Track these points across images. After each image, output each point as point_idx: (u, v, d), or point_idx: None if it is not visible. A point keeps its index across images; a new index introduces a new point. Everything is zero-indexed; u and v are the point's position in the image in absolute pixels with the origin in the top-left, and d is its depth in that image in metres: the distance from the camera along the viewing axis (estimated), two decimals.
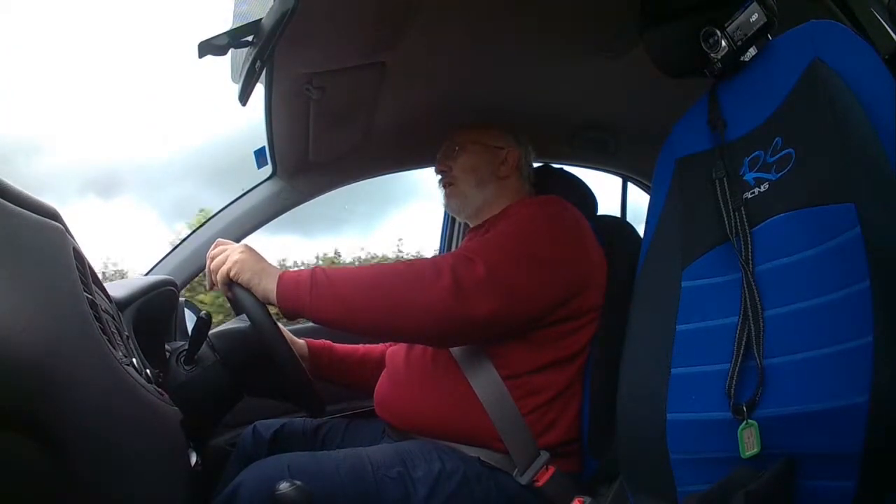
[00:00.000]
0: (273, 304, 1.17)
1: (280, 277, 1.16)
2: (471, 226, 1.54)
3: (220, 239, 1.25)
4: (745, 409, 0.86)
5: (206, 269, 1.22)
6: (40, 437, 0.56)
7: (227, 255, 1.19)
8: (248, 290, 1.17)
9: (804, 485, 0.81)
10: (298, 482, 1.04)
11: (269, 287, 1.16)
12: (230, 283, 1.18)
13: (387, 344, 1.55)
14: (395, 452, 1.21)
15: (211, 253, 1.22)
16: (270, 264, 1.19)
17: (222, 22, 1.25)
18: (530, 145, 1.56)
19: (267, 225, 1.89)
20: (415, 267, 1.20)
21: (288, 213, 1.92)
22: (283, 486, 1.02)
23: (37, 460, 0.56)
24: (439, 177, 1.53)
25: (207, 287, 1.23)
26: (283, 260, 6.19)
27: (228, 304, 1.35)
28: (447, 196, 1.52)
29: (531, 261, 1.20)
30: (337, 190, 1.97)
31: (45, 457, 0.56)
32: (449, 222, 2.29)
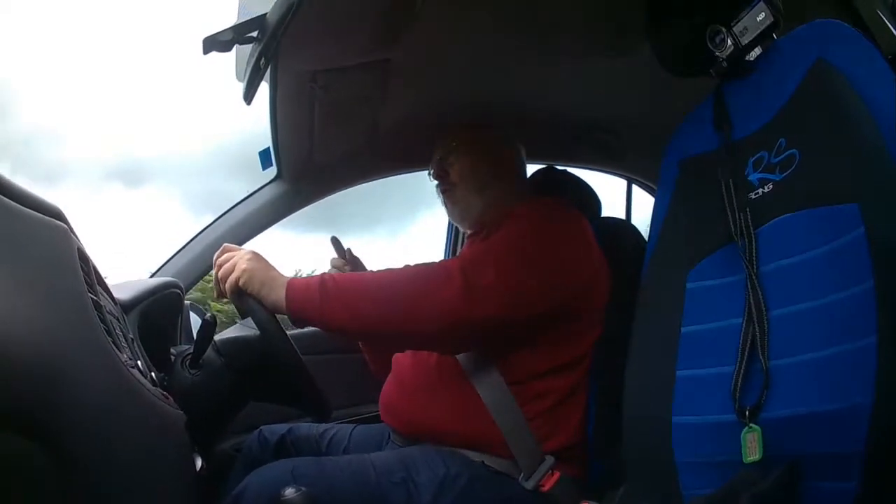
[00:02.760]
0: (282, 313, 1.16)
1: (289, 286, 1.15)
2: (470, 231, 1.54)
3: (226, 244, 1.24)
4: (747, 413, 0.85)
5: (214, 277, 1.21)
6: (42, 440, 0.55)
7: (234, 263, 1.17)
8: (257, 299, 1.16)
9: (807, 486, 0.81)
10: (303, 488, 1.04)
11: (278, 296, 1.15)
12: (239, 291, 1.17)
13: None
14: (398, 458, 1.20)
15: (218, 260, 1.21)
16: (279, 272, 1.18)
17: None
18: (523, 147, 1.55)
19: (297, 224, 1.90)
20: (423, 271, 1.19)
21: (320, 212, 1.92)
22: (289, 492, 1.02)
23: (39, 463, 0.56)
24: (436, 183, 1.53)
25: (215, 295, 1.22)
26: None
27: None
28: (448, 203, 1.51)
29: (537, 264, 1.20)
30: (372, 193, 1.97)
31: (48, 459, 0.56)
32: (453, 230, 2.29)
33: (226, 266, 1.18)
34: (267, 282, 1.15)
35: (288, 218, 1.91)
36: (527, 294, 1.17)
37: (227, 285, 1.16)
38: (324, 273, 1.18)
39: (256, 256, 1.19)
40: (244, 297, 1.16)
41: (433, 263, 1.23)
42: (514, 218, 1.31)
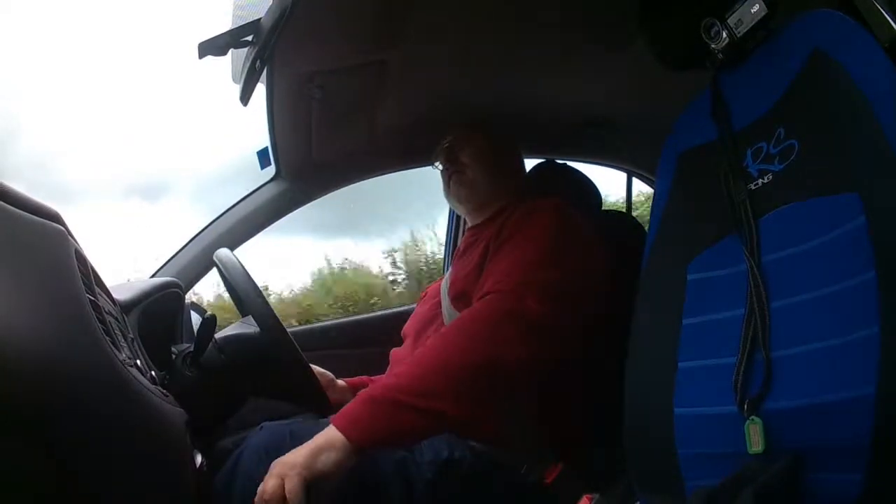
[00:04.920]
0: (349, 455, 1.03)
1: (334, 423, 1.04)
2: (470, 223, 1.55)
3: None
4: (747, 404, 0.85)
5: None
6: (40, 440, 0.56)
7: (275, 478, 0.98)
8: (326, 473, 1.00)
9: (812, 477, 0.80)
10: None
11: (333, 442, 1.02)
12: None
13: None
14: None
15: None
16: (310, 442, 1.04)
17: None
18: (525, 143, 1.59)
19: (321, 228, 1.90)
20: (475, 332, 1.15)
21: (343, 214, 1.92)
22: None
23: (39, 462, 0.56)
24: (442, 168, 1.54)
25: None
26: None
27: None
28: (455, 184, 1.51)
29: (564, 268, 1.22)
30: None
31: (47, 459, 0.56)
32: (454, 220, 2.30)
33: (270, 485, 0.99)
34: (312, 451, 1.01)
35: (310, 223, 1.92)
36: (571, 300, 1.20)
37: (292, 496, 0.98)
38: (363, 391, 1.12)
39: (283, 461, 1.01)
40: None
41: (475, 316, 1.18)
42: (520, 226, 1.31)
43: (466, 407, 1.09)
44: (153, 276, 1.79)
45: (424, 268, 5.76)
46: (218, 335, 1.22)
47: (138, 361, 0.88)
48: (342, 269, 6.29)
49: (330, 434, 1.02)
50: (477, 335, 1.15)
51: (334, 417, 1.06)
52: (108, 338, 0.72)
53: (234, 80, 1.32)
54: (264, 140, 1.72)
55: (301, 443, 1.02)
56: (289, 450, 1.01)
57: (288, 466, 0.98)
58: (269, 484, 0.97)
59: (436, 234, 5.64)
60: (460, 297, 1.34)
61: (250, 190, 1.90)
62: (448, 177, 1.53)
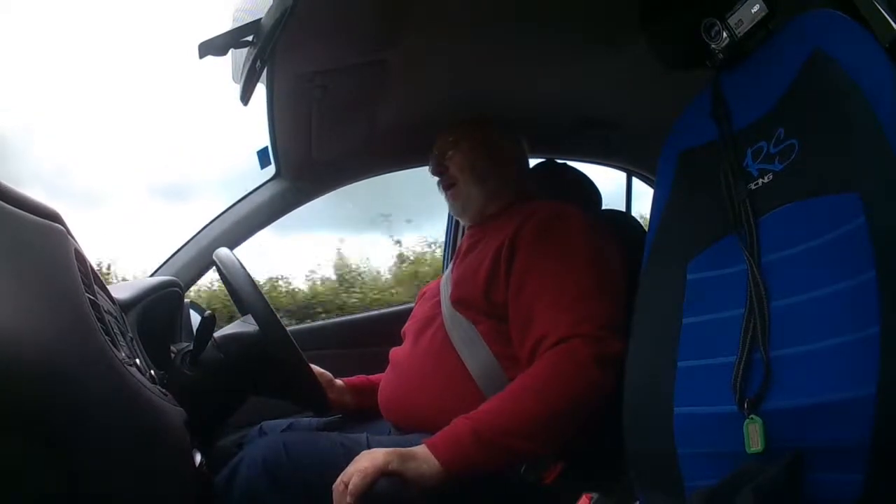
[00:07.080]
0: (433, 475, 1.07)
1: (430, 445, 1.09)
2: (470, 223, 1.54)
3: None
4: (747, 403, 0.85)
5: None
6: (42, 439, 0.56)
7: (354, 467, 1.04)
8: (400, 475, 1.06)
9: (812, 478, 0.80)
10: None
11: (427, 458, 1.07)
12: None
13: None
14: (394, 444, 1.19)
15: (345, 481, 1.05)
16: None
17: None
18: (525, 139, 1.57)
19: (358, 223, 1.91)
20: (565, 380, 1.16)
21: (370, 212, 1.92)
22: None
23: (37, 461, 0.56)
24: (437, 178, 1.53)
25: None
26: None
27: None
28: (450, 198, 1.51)
29: (602, 285, 1.23)
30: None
31: (46, 458, 0.56)
32: (453, 222, 2.30)
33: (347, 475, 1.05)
34: (405, 453, 1.07)
35: (339, 218, 1.93)
36: (615, 316, 1.19)
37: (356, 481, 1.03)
38: (465, 423, 1.12)
39: (372, 454, 1.07)
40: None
41: (539, 373, 1.17)
42: (555, 245, 1.29)
43: (551, 445, 1.15)
44: (152, 275, 1.79)
45: None
46: (217, 334, 1.22)
47: (137, 360, 0.88)
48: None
49: (425, 450, 1.08)
50: (566, 383, 1.15)
51: (430, 441, 1.09)
52: (107, 337, 0.72)
53: (235, 80, 1.32)
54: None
55: (295, 454, 1.09)
56: (286, 460, 1.06)
57: (376, 451, 1.06)
58: (348, 470, 1.03)
59: None
60: (461, 302, 1.33)
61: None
62: (443, 188, 1.53)
